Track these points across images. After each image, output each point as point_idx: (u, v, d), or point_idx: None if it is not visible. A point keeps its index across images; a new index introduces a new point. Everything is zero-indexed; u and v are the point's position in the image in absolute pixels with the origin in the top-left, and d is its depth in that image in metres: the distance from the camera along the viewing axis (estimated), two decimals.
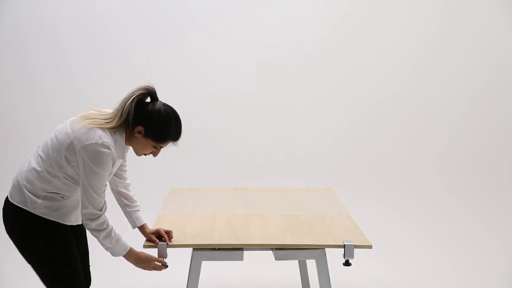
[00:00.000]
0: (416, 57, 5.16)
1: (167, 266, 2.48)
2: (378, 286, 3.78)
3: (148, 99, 2.31)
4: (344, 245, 2.39)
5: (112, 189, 2.59)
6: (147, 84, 2.31)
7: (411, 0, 5.10)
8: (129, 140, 2.31)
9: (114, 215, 2.62)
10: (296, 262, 3.47)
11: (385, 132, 5.22)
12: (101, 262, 3.76)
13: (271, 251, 2.54)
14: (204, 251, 2.44)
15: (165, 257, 2.45)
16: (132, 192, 2.64)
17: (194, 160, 5.14)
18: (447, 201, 5.02)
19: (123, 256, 2.36)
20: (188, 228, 2.62)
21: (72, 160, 2.22)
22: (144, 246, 2.46)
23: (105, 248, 2.32)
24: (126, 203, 2.60)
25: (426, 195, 5.08)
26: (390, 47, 5.15)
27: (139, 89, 2.29)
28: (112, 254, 2.35)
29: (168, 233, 2.48)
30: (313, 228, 2.63)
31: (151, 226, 2.59)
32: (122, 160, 2.39)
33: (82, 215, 2.25)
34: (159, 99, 2.33)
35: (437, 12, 5.11)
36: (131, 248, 2.37)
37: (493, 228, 4.71)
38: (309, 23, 5.10)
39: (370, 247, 2.42)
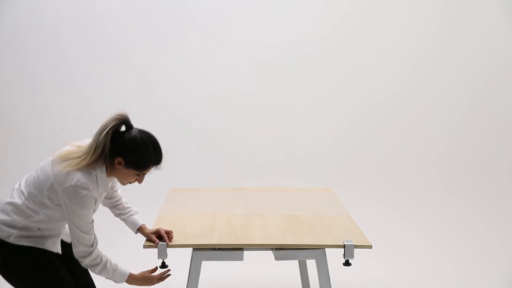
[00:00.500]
0: (416, 57, 5.16)
1: (169, 274, 2.50)
2: (378, 286, 3.78)
3: (123, 128, 2.27)
4: (344, 245, 2.39)
5: (104, 205, 2.62)
6: (119, 113, 2.26)
7: (411, 0, 5.10)
8: (110, 172, 2.28)
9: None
10: (296, 262, 3.47)
11: (385, 132, 5.22)
12: None
13: (271, 251, 2.54)
14: (204, 251, 2.44)
15: (165, 257, 2.45)
16: (125, 200, 2.64)
17: (194, 160, 5.14)
18: (447, 201, 5.02)
19: (125, 281, 2.39)
20: (188, 228, 2.62)
21: (56, 199, 2.23)
22: (144, 246, 2.46)
23: (105, 278, 2.34)
24: (119, 213, 2.63)
25: (426, 195, 5.08)
26: (390, 47, 5.15)
27: (112, 120, 2.23)
28: (114, 282, 2.37)
29: (168, 233, 2.48)
30: (313, 228, 2.63)
31: (151, 226, 2.59)
32: (106, 192, 2.41)
33: (74, 253, 2.25)
34: (133, 126, 2.30)
35: (437, 12, 5.11)
36: (130, 273, 2.39)
37: (493, 228, 4.71)
38: (309, 23, 5.10)
39: (370, 247, 2.42)
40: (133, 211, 2.63)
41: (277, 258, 2.46)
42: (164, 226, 2.53)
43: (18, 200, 2.27)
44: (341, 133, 5.21)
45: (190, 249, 2.62)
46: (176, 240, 2.46)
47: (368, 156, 5.20)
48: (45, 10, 4.99)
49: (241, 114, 5.16)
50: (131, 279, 2.40)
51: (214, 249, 2.44)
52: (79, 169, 2.17)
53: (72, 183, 2.15)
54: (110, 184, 2.42)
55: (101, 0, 5.00)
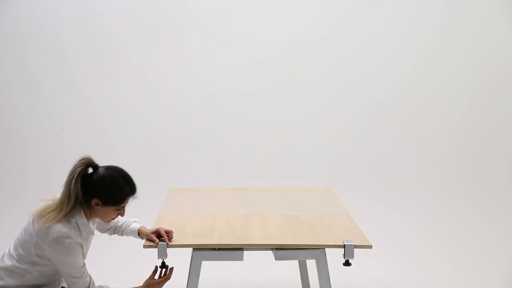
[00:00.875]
0: (416, 57, 5.16)
1: (172, 268, 2.52)
2: (378, 286, 3.78)
3: (90, 170, 2.31)
4: (344, 245, 2.39)
5: (107, 234, 2.69)
6: (82, 157, 2.29)
7: (411, 0, 5.10)
8: (91, 215, 2.33)
9: None
10: (296, 262, 3.47)
11: (385, 132, 5.22)
12: (103, 264, 3.77)
13: (271, 251, 2.54)
14: (204, 251, 2.44)
15: (165, 257, 2.45)
16: (120, 218, 2.64)
17: (194, 160, 5.14)
18: (447, 201, 5.02)
19: None
20: (188, 228, 2.62)
21: (44, 255, 2.28)
22: (144, 246, 2.46)
23: None
24: (120, 231, 2.68)
25: (426, 195, 5.08)
26: (390, 47, 5.15)
27: (77, 166, 2.26)
28: None
29: (168, 233, 2.49)
30: (313, 228, 2.63)
31: (151, 226, 2.60)
32: (93, 235, 2.45)
33: None
34: (99, 165, 2.32)
35: (437, 12, 5.11)
36: None
37: (493, 228, 4.71)
38: (309, 23, 5.10)
39: (370, 247, 2.42)
40: (129, 222, 2.66)
41: (277, 258, 2.46)
42: (164, 226, 2.53)
43: (9, 263, 2.33)
44: (341, 133, 5.21)
45: (190, 249, 2.62)
46: (176, 240, 2.46)
47: (368, 156, 5.20)
48: (45, 10, 5.00)
49: (241, 114, 5.16)
50: None
51: (214, 249, 2.44)
52: (58, 221, 2.23)
53: (54, 235, 2.20)
54: (94, 226, 2.46)
55: (101, 0, 5.00)
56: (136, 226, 2.62)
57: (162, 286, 2.50)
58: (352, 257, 2.39)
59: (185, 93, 5.13)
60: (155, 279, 2.51)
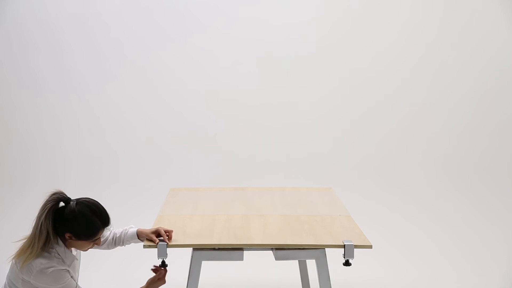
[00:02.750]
0: (416, 57, 5.16)
1: (166, 265, 2.52)
2: (378, 286, 3.78)
3: (62, 204, 2.32)
4: (344, 245, 2.39)
5: (108, 249, 2.67)
6: (53, 191, 2.30)
7: (411, 0, 5.10)
8: (68, 244, 2.36)
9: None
10: (296, 262, 3.47)
11: (385, 132, 5.22)
12: (103, 263, 3.78)
13: (271, 251, 2.54)
14: (204, 251, 2.44)
15: (165, 257, 2.45)
16: (115, 229, 2.62)
17: (194, 159, 5.14)
18: (447, 201, 5.02)
19: None
20: (188, 228, 2.62)
21: None
22: (144, 246, 2.45)
23: None
24: (120, 241, 2.64)
25: (426, 195, 5.08)
26: (390, 47, 5.15)
27: (48, 202, 2.27)
28: None
29: (168, 232, 2.49)
30: (313, 228, 2.63)
31: (151, 226, 2.59)
32: (78, 260, 2.47)
33: None
34: (71, 199, 2.34)
35: (437, 13, 5.11)
36: None
37: (494, 228, 4.71)
38: (309, 22, 5.10)
39: (370, 247, 2.42)
40: (126, 229, 2.63)
41: (277, 258, 2.46)
42: (164, 226, 2.53)
43: None
44: (341, 133, 5.21)
45: (190, 249, 2.62)
46: (176, 240, 2.46)
47: (368, 156, 5.20)
48: (46, 10, 4.99)
49: (241, 113, 5.17)
50: None
51: (214, 249, 2.44)
52: (38, 256, 2.26)
53: (37, 269, 2.25)
54: (77, 252, 2.47)
55: (102, 0, 5.01)
56: (133, 231, 2.60)
57: (163, 279, 2.51)
58: (352, 257, 2.39)
59: (185, 92, 5.13)
60: (155, 277, 2.53)
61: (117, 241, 2.63)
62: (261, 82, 5.15)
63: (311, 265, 2.89)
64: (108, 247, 2.66)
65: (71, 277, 2.34)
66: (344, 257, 2.41)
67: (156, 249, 2.42)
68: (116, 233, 2.63)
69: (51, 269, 2.25)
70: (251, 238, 2.50)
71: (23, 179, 5.04)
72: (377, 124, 5.22)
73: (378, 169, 5.19)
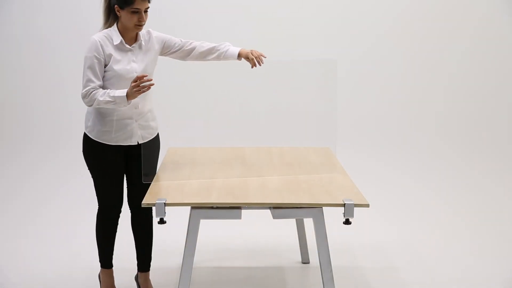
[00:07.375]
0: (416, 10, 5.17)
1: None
2: (377, 246, 3.80)
3: None
4: (344, 204, 2.40)
5: (198, 60, 2.94)
6: None
7: None
8: (120, 24, 2.74)
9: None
10: (294, 224, 3.49)
11: (384, 91, 5.22)
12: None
13: (268, 210, 2.55)
14: (202, 209, 2.45)
15: (164, 216, 2.44)
16: (211, 43, 2.90)
17: (191, 120, 5.14)
18: (445, 159, 5.07)
19: (128, 99, 2.64)
20: (186, 187, 2.63)
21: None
22: (143, 205, 2.45)
23: (113, 105, 2.66)
24: (216, 56, 2.91)
25: (424, 153, 5.13)
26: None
27: None
28: (120, 105, 2.66)
29: (259, 57, 2.80)
30: (311, 187, 2.64)
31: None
32: (137, 47, 2.79)
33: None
34: None
35: None
36: (126, 91, 2.65)
37: (497, 183, 4.83)
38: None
39: (367, 206, 2.43)
40: (224, 45, 2.90)
41: (274, 216, 2.48)
42: (162, 181, 2.55)
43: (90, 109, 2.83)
44: (339, 93, 5.19)
45: (189, 208, 2.63)
46: (174, 198, 2.47)
47: (365, 115, 5.22)
48: None
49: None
50: (128, 94, 2.64)
51: (212, 207, 2.45)
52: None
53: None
54: (133, 33, 2.77)
55: None
56: (234, 51, 2.86)
57: (138, 89, 2.61)
58: (352, 216, 2.40)
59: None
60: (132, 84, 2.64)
61: (210, 54, 2.90)
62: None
63: (309, 225, 2.91)
64: (199, 56, 2.91)
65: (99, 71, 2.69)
66: (344, 216, 2.42)
67: (154, 207, 2.43)
68: (203, 46, 2.89)
69: (92, 38, 2.70)
70: (249, 197, 2.51)
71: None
72: (375, 81, 5.21)
73: (377, 128, 5.22)
